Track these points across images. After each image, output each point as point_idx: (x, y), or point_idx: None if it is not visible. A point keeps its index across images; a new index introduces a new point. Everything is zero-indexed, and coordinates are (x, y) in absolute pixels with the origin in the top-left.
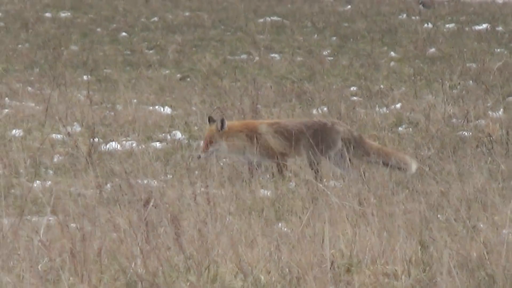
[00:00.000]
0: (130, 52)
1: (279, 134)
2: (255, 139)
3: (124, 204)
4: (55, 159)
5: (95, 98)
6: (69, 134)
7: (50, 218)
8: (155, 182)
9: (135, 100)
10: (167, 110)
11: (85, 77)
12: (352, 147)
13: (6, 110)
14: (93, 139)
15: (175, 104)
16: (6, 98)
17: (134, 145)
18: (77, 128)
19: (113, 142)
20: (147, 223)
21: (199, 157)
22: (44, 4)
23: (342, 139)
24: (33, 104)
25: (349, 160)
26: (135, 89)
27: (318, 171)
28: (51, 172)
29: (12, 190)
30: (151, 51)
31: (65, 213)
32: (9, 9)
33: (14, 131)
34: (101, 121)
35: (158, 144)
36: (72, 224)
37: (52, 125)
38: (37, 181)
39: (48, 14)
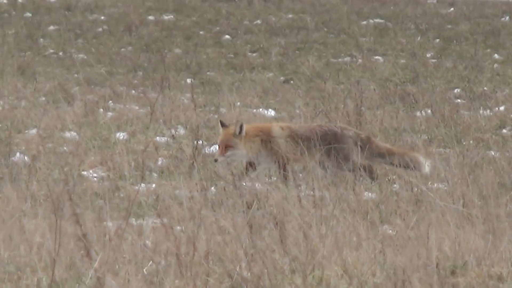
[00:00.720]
0: (234, 55)
1: (290, 139)
2: (269, 143)
3: (229, 207)
4: (160, 162)
5: (198, 100)
6: (173, 137)
7: (155, 221)
8: (259, 185)
9: (238, 103)
10: (271, 112)
11: (188, 80)
12: (360, 149)
13: (110, 113)
14: (197, 142)
15: (278, 106)
16: (110, 101)
17: None
18: (181, 130)
19: (217, 145)
20: (252, 226)
21: (216, 160)
22: (147, 7)
23: (353, 142)
24: (137, 107)
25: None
26: (238, 92)
27: (335, 175)
28: (155, 175)
29: (117, 193)
30: (254, 54)
31: (170, 216)
32: (113, 13)
33: (118, 134)
34: (205, 123)
35: None
36: (177, 227)
37: (156, 128)
38: (142, 184)
39: (151, 17)
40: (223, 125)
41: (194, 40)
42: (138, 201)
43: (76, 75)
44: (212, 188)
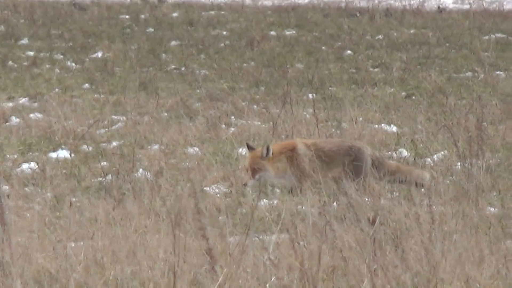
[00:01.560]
0: (355, 70)
1: (316, 156)
2: (295, 159)
3: (351, 222)
4: None
5: (320, 116)
6: None
7: (278, 236)
8: (382, 200)
9: (360, 118)
10: (393, 128)
11: (310, 95)
12: (375, 167)
13: (232, 129)
14: None
15: (400, 122)
16: (232, 117)
17: None
18: None
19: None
20: (374, 241)
21: (245, 185)
22: (269, 22)
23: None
24: (259, 122)
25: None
26: (360, 107)
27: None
28: (278, 190)
29: (239, 209)
30: (376, 69)
31: (293, 231)
32: (234, 28)
33: (240, 149)
34: (326, 138)
35: None
36: (300, 242)
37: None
38: (264, 200)
39: (273, 32)
40: (250, 148)
41: (316, 55)
42: (261, 216)
43: (198, 91)
44: (335, 203)
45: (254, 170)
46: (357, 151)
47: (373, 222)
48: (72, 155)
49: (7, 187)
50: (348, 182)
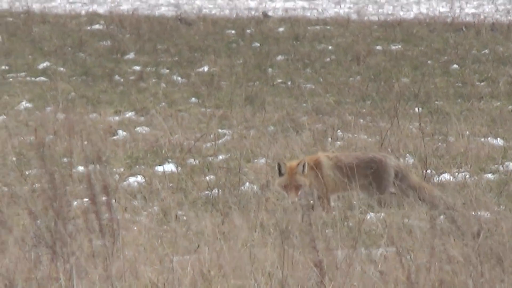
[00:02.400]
0: (461, 84)
1: (337, 169)
2: (319, 174)
3: (458, 236)
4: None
5: (427, 130)
6: None
7: (385, 250)
8: (488, 214)
9: (467, 132)
10: (499, 141)
11: (416, 109)
12: (399, 180)
13: (339, 143)
14: (426, 171)
15: (507, 135)
16: (339, 131)
17: (467, 176)
18: (410, 159)
19: (446, 174)
20: (480, 255)
21: (293, 203)
22: (375, 37)
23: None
24: (366, 136)
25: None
26: (466, 121)
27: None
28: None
29: (346, 222)
30: (482, 83)
31: (400, 245)
32: (340, 42)
33: None
34: (433, 152)
35: (490, 176)
36: (407, 256)
37: None
38: (371, 213)
39: (379, 47)
40: (281, 168)
41: (422, 70)
42: (367, 230)
43: (304, 105)
44: (441, 216)
45: (298, 187)
46: (378, 163)
47: (477, 236)
48: (179, 168)
49: (114, 201)
50: (372, 195)
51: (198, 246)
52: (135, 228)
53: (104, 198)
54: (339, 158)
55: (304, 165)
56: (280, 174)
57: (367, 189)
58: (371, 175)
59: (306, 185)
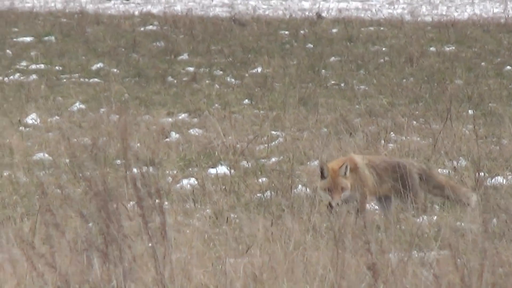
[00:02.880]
0: None
1: (372, 169)
2: (357, 174)
3: (511, 239)
4: None
5: (480, 132)
6: (455, 169)
7: (438, 253)
8: None
9: None
10: None
11: (470, 111)
12: (424, 182)
13: (391, 145)
14: (479, 174)
15: None
16: (392, 133)
17: None
18: (463, 162)
19: (499, 176)
20: None
21: (337, 204)
22: (429, 38)
23: (417, 174)
24: (419, 139)
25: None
26: None
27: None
28: (437, 207)
29: (398, 225)
30: None
31: (453, 248)
32: (394, 44)
33: None
34: (486, 155)
35: None
36: (459, 260)
37: (438, 160)
38: (424, 216)
39: (432, 48)
40: (323, 171)
41: (476, 71)
42: (420, 233)
43: (357, 106)
44: (494, 219)
45: (341, 189)
46: (403, 168)
47: None
48: (232, 171)
49: (166, 203)
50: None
51: (249, 248)
52: (187, 230)
53: (156, 201)
54: (370, 159)
55: (346, 167)
56: (323, 177)
57: (398, 192)
58: (398, 180)
59: (349, 187)
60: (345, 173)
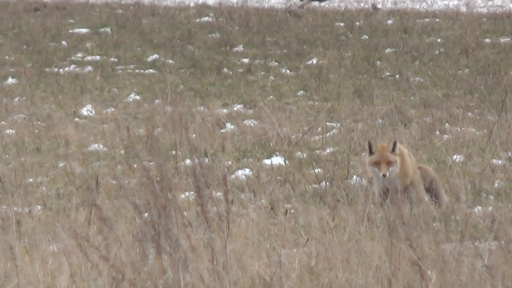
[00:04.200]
0: None
1: (411, 157)
2: (402, 159)
3: None
4: (496, 185)
5: None
6: (510, 159)
7: (492, 244)
8: None
9: None
10: None
11: None
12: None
13: (446, 136)
14: None
15: None
16: (447, 124)
17: None
18: None
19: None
20: None
21: (384, 176)
22: (484, 29)
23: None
24: (474, 130)
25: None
26: None
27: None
28: (492, 197)
29: (453, 216)
30: None
31: (508, 239)
32: (449, 35)
33: (454, 156)
34: None
35: None
36: None
37: (493, 151)
38: (478, 207)
39: (487, 40)
40: (371, 146)
41: None
42: (475, 223)
43: (412, 98)
44: None
45: (389, 163)
46: (424, 171)
47: None
48: (287, 161)
49: (219, 194)
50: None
51: (308, 239)
52: (243, 221)
53: (211, 192)
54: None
55: (395, 144)
56: (371, 153)
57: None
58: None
59: (397, 162)
60: (393, 150)
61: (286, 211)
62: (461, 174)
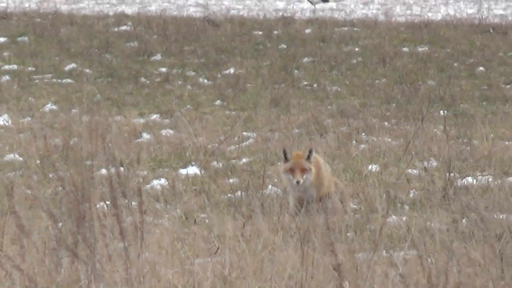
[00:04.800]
0: (487, 87)
1: (327, 168)
2: (318, 168)
3: (480, 239)
4: (411, 194)
5: (451, 132)
6: (425, 169)
7: (406, 253)
8: (511, 217)
9: (491, 135)
10: None
11: (441, 112)
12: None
13: (363, 146)
14: (449, 174)
15: None
16: (363, 134)
17: (490, 180)
18: (433, 163)
19: (469, 177)
20: (502, 258)
21: (298, 183)
22: (402, 39)
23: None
24: (390, 139)
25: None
26: (491, 124)
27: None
28: (407, 207)
29: (368, 225)
30: (508, 86)
31: (421, 248)
32: (367, 44)
33: (370, 166)
34: (457, 156)
35: None
36: (428, 259)
37: (409, 160)
38: (393, 216)
39: (405, 49)
40: (286, 153)
41: (448, 72)
42: (389, 233)
43: (329, 107)
44: (464, 220)
45: (304, 170)
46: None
47: (500, 238)
48: (202, 171)
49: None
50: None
51: (219, 248)
52: (157, 231)
53: (126, 201)
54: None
55: (310, 151)
56: (286, 160)
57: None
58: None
59: (312, 171)
60: (308, 157)
61: (200, 220)
62: (376, 183)
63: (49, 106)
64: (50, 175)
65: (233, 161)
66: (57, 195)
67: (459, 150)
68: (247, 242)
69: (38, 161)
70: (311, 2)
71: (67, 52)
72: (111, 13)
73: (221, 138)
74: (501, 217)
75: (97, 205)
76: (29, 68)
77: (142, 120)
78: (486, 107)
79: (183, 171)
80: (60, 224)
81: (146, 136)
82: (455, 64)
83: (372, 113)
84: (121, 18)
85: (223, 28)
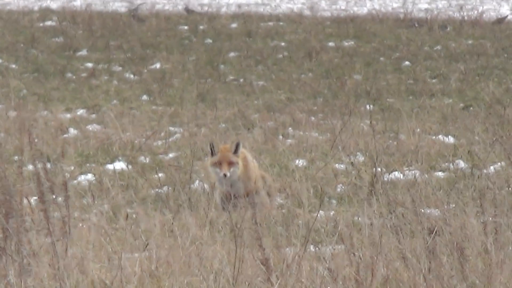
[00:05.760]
0: (413, 81)
1: (254, 164)
2: (246, 165)
3: (407, 233)
4: (339, 189)
5: (378, 127)
6: (352, 164)
7: (333, 247)
8: (438, 212)
9: (418, 129)
10: (450, 139)
11: (368, 107)
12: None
13: (289, 140)
14: (376, 169)
15: (458, 133)
16: (290, 128)
17: (417, 174)
18: (360, 157)
19: (396, 172)
20: (430, 252)
21: (225, 176)
22: (328, 33)
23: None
24: (317, 134)
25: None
26: (418, 118)
27: None
28: (334, 201)
29: (295, 220)
30: (434, 80)
31: (350, 242)
32: (293, 39)
33: (297, 161)
34: (384, 150)
35: (441, 174)
36: (356, 253)
37: (336, 155)
38: (320, 211)
39: (331, 44)
40: (213, 147)
41: (374, 67)
42: (316, 227)
43: (255, 102)
44: (391, 214)
45: (231, 163)
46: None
47: (430, 233)
48: (129, 166)
49: (61, 199)
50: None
51: (147, 244)
52: (84, 226)
53: (53, 196)
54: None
55: (237, 145)
56: (213, 154)
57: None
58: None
59: (239, 164)
60: (235, 151)
61: (127, 215)
62: (303, 178)
63: None
64: None
65: (160, 156)
66: None
67: (385, 144)
68: (175, 237)
69: None
70: None
71: None
72: (36, 8)
73: (147, 133)
74: (428, 211)
75: (25, 201)
76: None
77: (68, 115)
78: (413, 101)
79: (110, 166)
80: None
81: (73, 131)
82: (381, 59)
83: (298, 107)
84: (46, 13)
85: (149, 23)
